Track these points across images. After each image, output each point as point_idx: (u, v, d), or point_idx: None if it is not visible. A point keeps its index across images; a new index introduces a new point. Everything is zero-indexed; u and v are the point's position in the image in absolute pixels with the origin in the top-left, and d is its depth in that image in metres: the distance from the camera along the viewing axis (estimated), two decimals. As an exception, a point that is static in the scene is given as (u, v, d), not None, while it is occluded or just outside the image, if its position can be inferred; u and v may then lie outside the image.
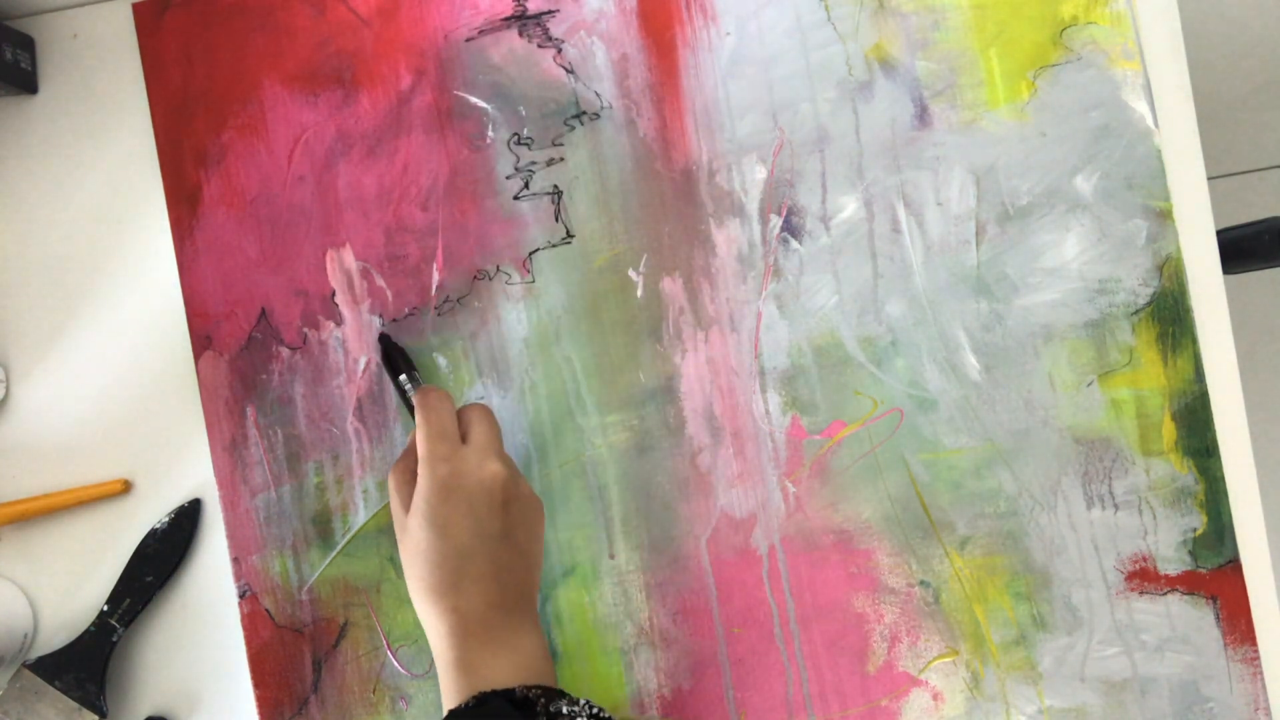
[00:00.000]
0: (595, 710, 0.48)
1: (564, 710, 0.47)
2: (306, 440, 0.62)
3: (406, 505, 0.53)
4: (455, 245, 0.62)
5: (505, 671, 0.49)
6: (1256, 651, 0.57)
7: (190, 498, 0.63)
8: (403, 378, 0.59)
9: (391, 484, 0.54)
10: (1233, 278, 0.68)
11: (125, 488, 0.63)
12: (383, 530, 0.62)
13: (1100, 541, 0.58)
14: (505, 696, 0.48)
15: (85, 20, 0.65)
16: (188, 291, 0.63)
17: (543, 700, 0.48)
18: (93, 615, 0.62)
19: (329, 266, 0.62)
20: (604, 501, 0.61)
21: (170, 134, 0.63)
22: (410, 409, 0.58)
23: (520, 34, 0.62)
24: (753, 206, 0.60)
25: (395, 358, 0.60)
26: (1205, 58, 1.31)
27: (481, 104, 0.62)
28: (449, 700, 0.49)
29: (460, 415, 0.55)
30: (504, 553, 0.52)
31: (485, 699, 0.47)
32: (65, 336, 0.64)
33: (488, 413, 0.55)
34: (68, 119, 0.65)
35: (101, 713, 0.60)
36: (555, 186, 0.61)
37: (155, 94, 0.64)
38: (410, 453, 0.56)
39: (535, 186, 0.61)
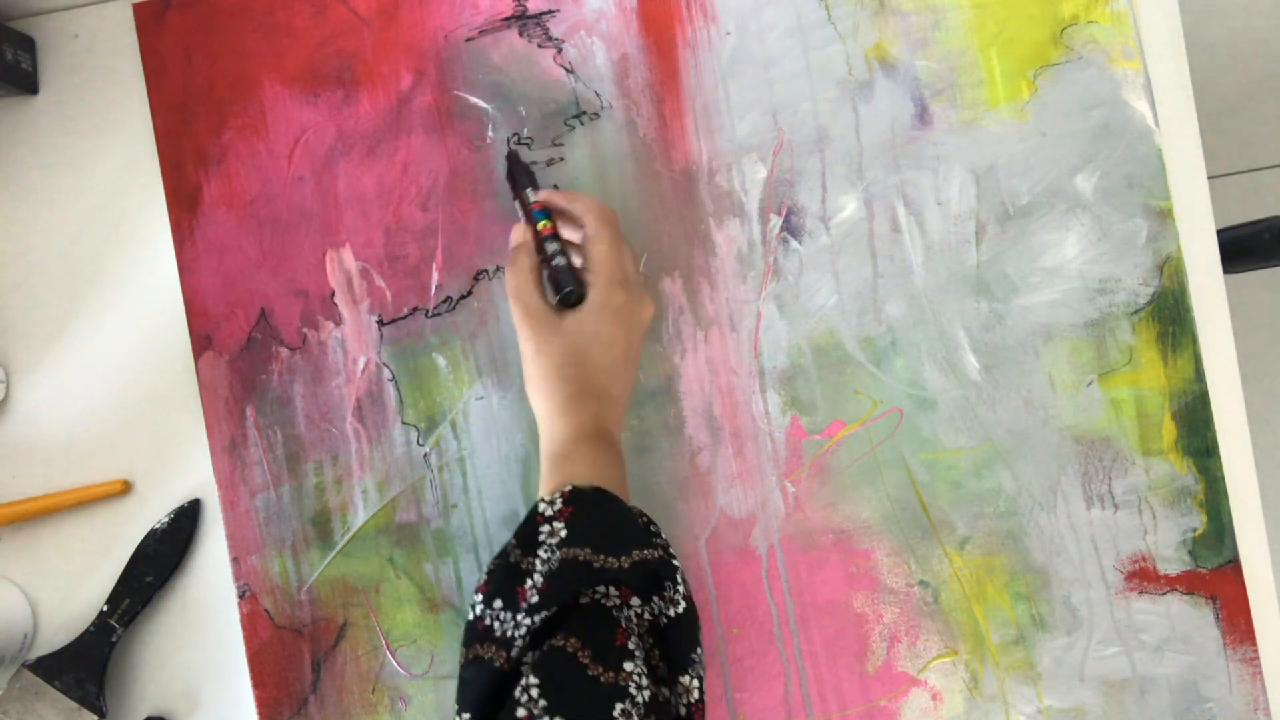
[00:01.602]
0: (676, 562, 0.50)
1: (662, 535, 0.51)
2: (306, 440, 0.62)
3: (547, 305, 0.54)
4: (455, 245, 0.62)
5: (616, 478, 0.52)
6: (1256, 651, 0.57)
7: (190, 498, 0.63)
8: (529, 192, 0.58)
9: (517, 284, 0.54)
10: (1233, 277, 0.68)
11: (125, 488, 0.63)
12: (382, 530, 0.61)
13: (1100, 541, 0.58)
14: (623, 502, 0.50)
15: (85, 21, 0.65)
16: (188, 291, 0.63)
17: (645, 518, 0.51)
18: (92, 615, 0.62)
19: (329, 267, 0.62)
20: None
21: (170, 134, 0.63)
22: (528, 218, 0.57)
23: (520, 34, 0.62)
24: (753, 206, 0.60)
25: (519, 174, 0.58)
26: (1205, 57, 1.31)
27: (481, 104, 0.62)
28: (554, 485, 0.51)
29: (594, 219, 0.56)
30: (631, 381, 0.55)
31: (604, 490, 0.50)
32: (65, 336, 0.64)
33: (629, 246, 0.56)
34: (68, 119, 0.65)
35: (101, 713, 0.60)
36: (555, 186, 0.61)
37: (155, 94, 0.64)
38: (527, 252, 0.55)
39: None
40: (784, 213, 0.60)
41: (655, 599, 0.47)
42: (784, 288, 0.60)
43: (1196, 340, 0.57)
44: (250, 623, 0.62)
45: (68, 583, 0.63)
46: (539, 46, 0.62)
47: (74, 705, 0.60)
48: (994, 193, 0.59)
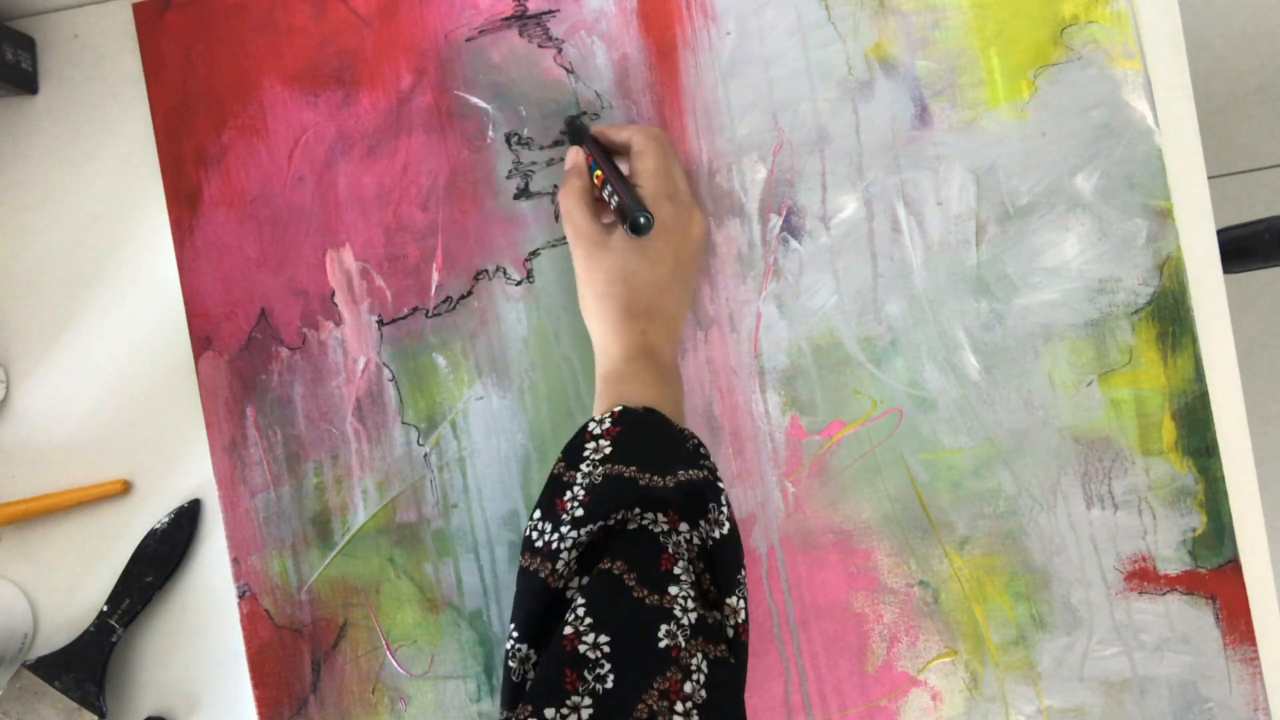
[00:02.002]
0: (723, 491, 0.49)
1: (710, 459, 0.50)
2: (306, 440, 0.62)
3: (598, 224, 0.55)
4: (455, 245, 0.62)
5: (667, 398, 0.52)
6: (1256, 652, 0.57)
7: (190, 498, 0.63)
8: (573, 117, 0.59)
9: (569, 205, 0.55)
10: (1233, 277, 0.68)
11: (125, 488, 0.63)
12: (382, 530, 0.61)
13: (1100, 541, 0.58)
14: (673, 423, 0.50)
15: (86, 21, 0.65)
16: (188, 292, 0.63)
17: (696, 442, 0.51)
18: (92, 615, 0.62)
19: (329, 267, 0.62)
20: None
21: (170, 134, 0.63)
22: (573, 137, 0.58)
23: (520, 34, 0.62)
24: (752, 206, 0.60)
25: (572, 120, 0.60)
26: (1205, 57, 1.31)
27: (482, 104, 0.62)
28: (614, 401, 0.51)
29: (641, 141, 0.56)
30: (686, 299, 0.56)
31: (654, 410, 0.50)
32: (65, 336, 0.64)
33: (679, 162, 0.57)
34: (68, 119, 0.65)
35: (101, 713, 0.60)
36: (555, 186, 0.61)
37: (155, 94, 0.64)
38: (579, 174, 0.56)
39: (535, 186, 0.61)
40: (784, 213, 0.60)
41: (701, 523, 0.47)
42: (784, 288, 0.60)
43: (1196, 340, 0.57)
44: (250, 623, 0.62)
45: (68, 583, 0.63)
46: (539, 46, 0.62)
47: (74, 705, 0.60)
48: (994, 193, 0.59)
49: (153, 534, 0.62)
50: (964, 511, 0.59)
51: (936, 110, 0.59)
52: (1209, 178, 0.57)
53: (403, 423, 0.62)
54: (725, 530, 0.47)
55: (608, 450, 0.48)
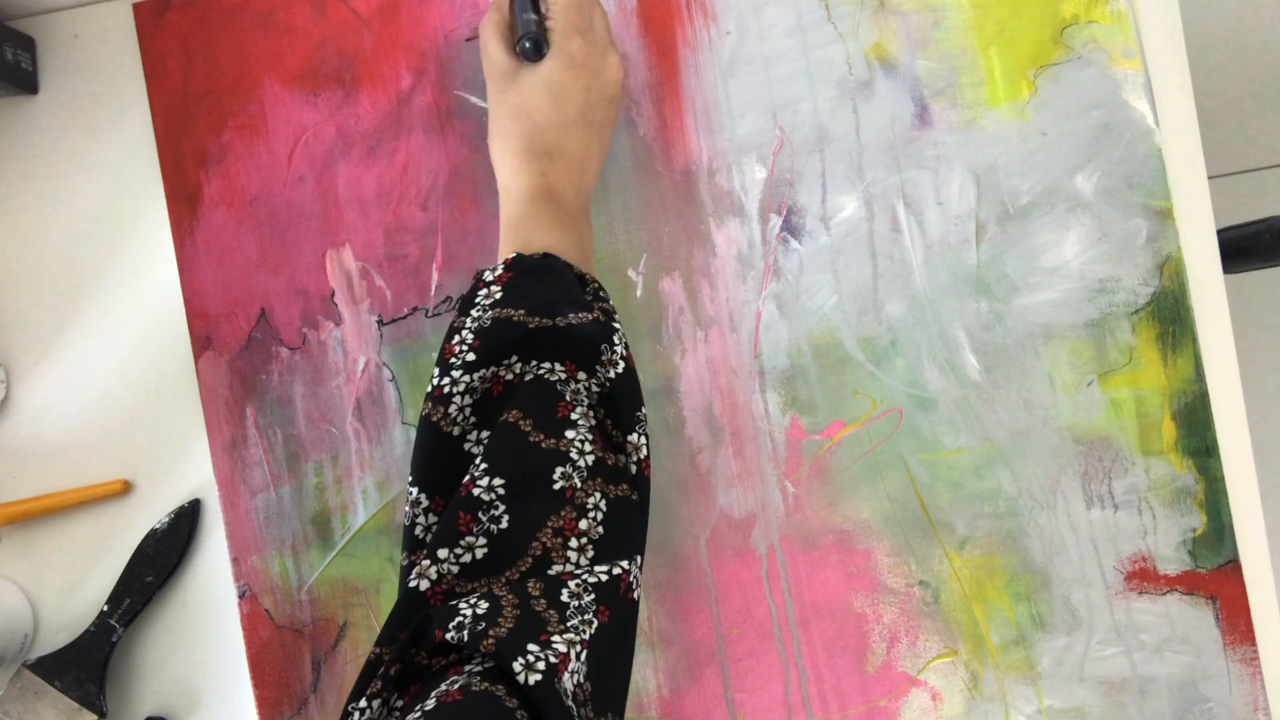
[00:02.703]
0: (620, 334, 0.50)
1: (610, 304, 0.50)
2: (306, 440, 0.62)
3: (513, 59, 0.54)
4: (455, 245, 0.62)
5: (568, 249, 0.51)
6: (1256, 651, 0.57)
7: (190, 498, 0.63)
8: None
9: (487, 36, 0.55)
10: (1233, 277, 0.68)
11: (125, 488, 0.63)
12: (382, 530, 0.61)
13: (1100, 541, 0.58)
14: (567, 266, 0.50)
15: (86, 20, 0.65)
16: (188, 291, 0.63)
17: (595, 285, 0.50)
18: (93, 615, 0.62)
19: (329, 266, 0.62)
20: None
21: (170, 134, 0.63)
22: None
23: (520, 34, 0.62)
24: (752, 206, 0.60)
25: None
26: (1205, 57, 1.31)
27: (482, 104, 0.62)
28: (510, 248, 0.51)
29: None
30: (595, 143, 0.54)
31: (550, 257, 0.49)
32: (65, 336, 0.64)
33: (600, 5, 0.56)
34: (68, 119, 0.65)
35: (101, 713, 0.60)
36: (555, 186, 0.61)
37: (155, 94, 0.64)
38: (500, 9, 0.56)
39: None
40: (784, 213, 0.60)
41: (597, 368, 0.47)
42: (784, 288, 0.60)
43: (1196, 340, 0.57)
44: (250, 623, 0.62)
45: (68, 583, 0.63)
46: (539, 46, 0.61)
47: (74, 705, 0.60)
48: (994, 192, 0.59)
49: (153, 534, 0.62)
50: (964, 511, 0.59)
51: (936, 110, 0.59)
52: (1209, 178, 0.57)
53: (403, 423, 0.62)
54: (620, 370, 0.48)
55: (498, 295, 0.48)
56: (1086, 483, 0.58)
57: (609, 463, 0.45)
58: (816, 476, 0.59)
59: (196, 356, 0.63)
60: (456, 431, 0.46)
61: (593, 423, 0.46)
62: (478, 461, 0.44)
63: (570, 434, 0.45)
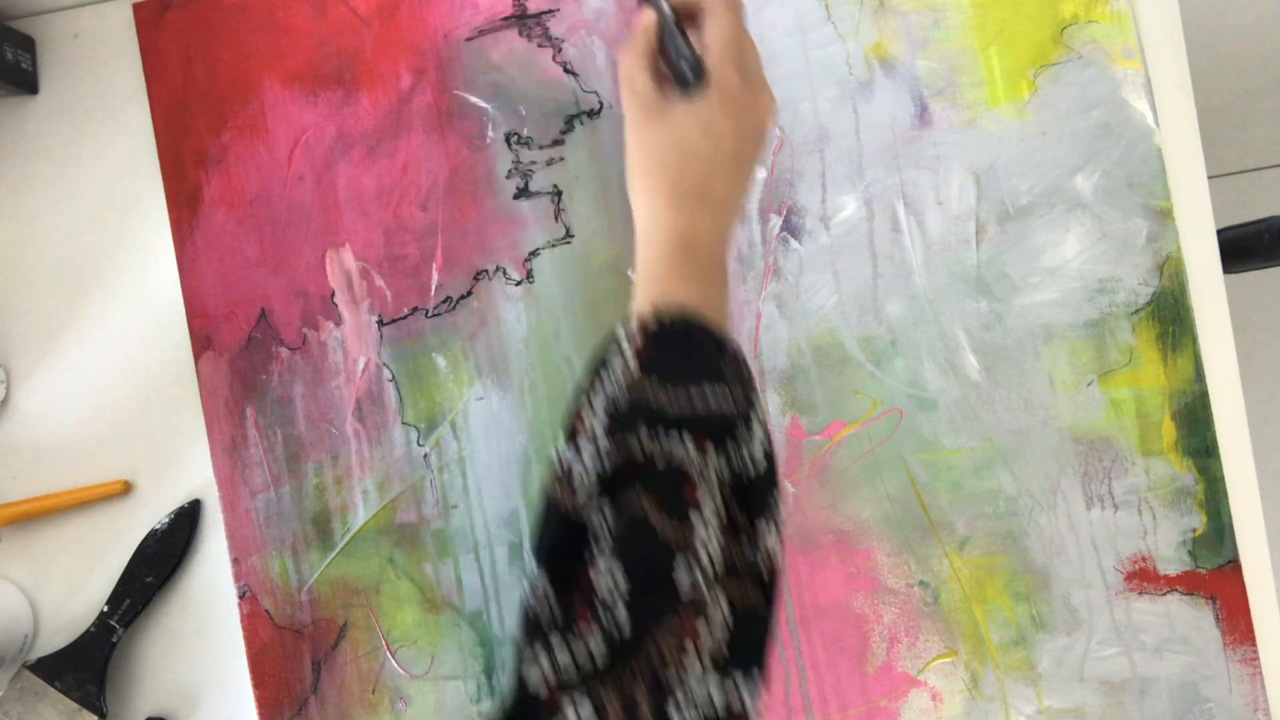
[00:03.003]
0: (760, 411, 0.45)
1: (752, 377, 0.46)
2: (306, 441, 0.62)
3: (658, 91, 0.50)
4: (455, 245, 0.62)
5: (709, 296, 0.47)
6: (1256, 652, 0.57)
7: (190, 498, 0.63)
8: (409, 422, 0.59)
9: (630, 65, 0.51)
10: (1233, 277, 0.68)
11: (125, 488, 0.63)
12: (382, 531, 0.61)
13: (1100, 542, 0.58)
14: (708, 328, 0.46)
15: (86, 20, 0.65)
16: (188, 292, 0.63)
17: (735, 350, 0.46)
18: (93, 616, 0.61)
19: (329, 267, 0.62)
20: None
21: (170, 134, 0.63)
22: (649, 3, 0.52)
23: (520, 33, 0.62)
24: (752, 206, 0.60)
25: None
26: (1205, 57, 1.31)
27: (481, 104, 0.62)
28: (648, 298, 0.47)
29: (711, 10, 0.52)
30: (742, 186, 0.50)
31: (690, 321, 0.45)
32: (65, 337, 0.64)
33: (752, 42, 0.52)
34: (68, 119, 0.65)
35: (101, 713, 0.60)
36: (555, 186, 0.61)
37: (155, 94, 0.64)
38: (647, 35, 0.51)
39: (535, 186, 0.61)
40: (784, 213, 0.60)
41: (730, 445, 0.43)
42: (784, 288, 0.60)
43: (1196, 340, 0.57)
44: (250, 623, 0.62)
45: (68, 583, 0.63)
46: (539, 46, 0.61)
47: (74, 706, 0.60)
48: (994, 192, 0.59)
49: (153, 534, 0.62)
50: (964, 512, 0.59)
51: (936, 110, 0.59)
52: (1209, 178, 0.57)
53: (403, 423, 0.62)
54: (762, 470, 0.43)
55: (635, 370, 0.43)
56: (1086, 483, 0.58)
57: (736, 562, 0.41)
58: (816, 477, 0.59)
59: (196, 357, 0.63)
60: (581, 511, 0.42)
61: (722, 508, 0.42)
62: (600, 545, 0.40)
63: (696, 523, 0.40)
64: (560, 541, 0.42)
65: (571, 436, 0.43)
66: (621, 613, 0.39)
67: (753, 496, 0.43)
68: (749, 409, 0.44)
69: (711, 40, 0.49)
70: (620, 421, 0.42)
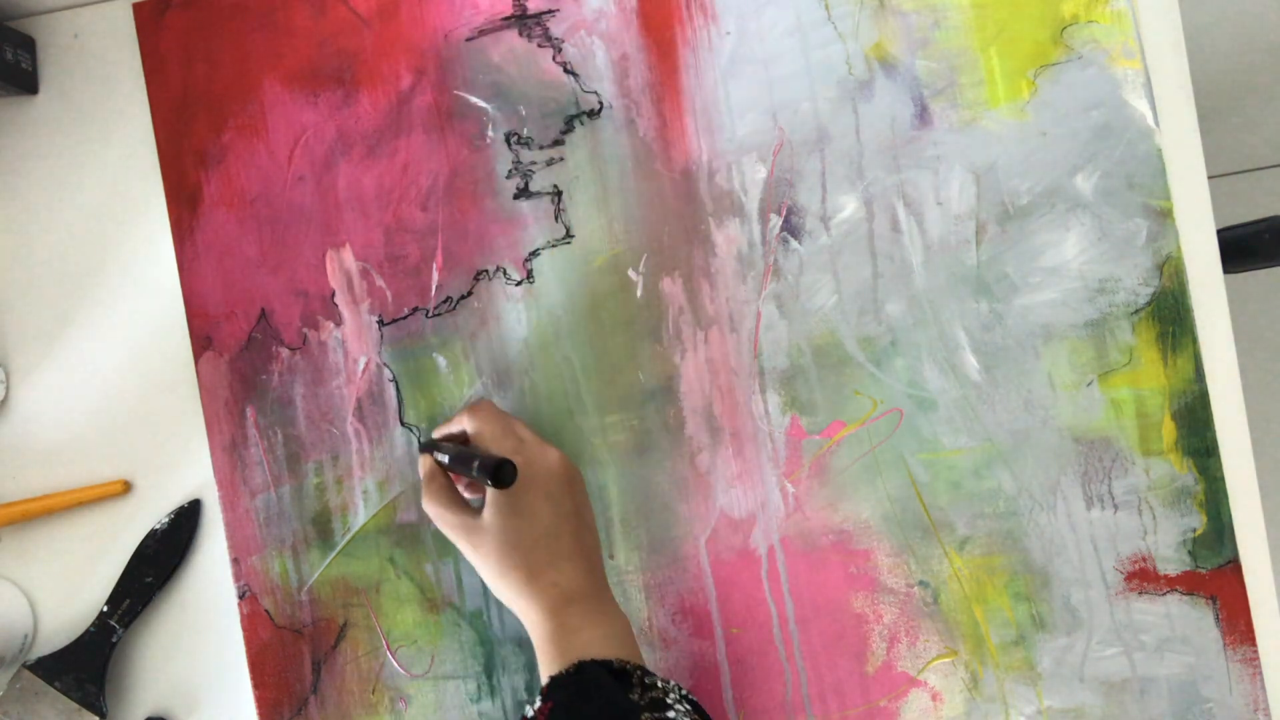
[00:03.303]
0: (683, 692, 0.49)
1: (658, 684, 0.48)
2: (306, 441, 0.62)
3: (466, 514, 0.54)
4: (455, 245, 0.61)
5: (601, 643, 0.50)
6: (1256, 652, 0.57)
7: (190, 498, 0.63)
8: (410, 422, 0.61)
9: (433, 509, 0.55)
10: (1233, 277, 0.68)
11: (125, 488, 0.63)
12: (382, 530, 0.61)
13: (1100, 541, 0.58)
14: (604, 666, 0.49)
15: (85, 20, 0.65)
16: (188, 292, 0.63)
17: (639, 674, 0.49)
18: (93, 616, 0.62)
19: (329, 267, 0.62)
20: (603, 502, 0.61)
21: (170, 134, 0.63)
22: (423, 450, 0.58)
23: (520, 33, 0.61)
24: (752, 206, 0.60)
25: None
26: (1205, 57, 1.31)
27: (481, 104, 0.62)
28: (548, 669, 0.50)
29: (467, 416, 0.56)
30: (582, 530, 0.54)
31: (584, 667, 0.48)
32: (65, 337, 0.64)
33: (505, 415, 0.56)
34: (68, 119, 0.65)
35: (101, 713, 0.60)
36: (555, 186, 0.61)
37: (155, 94, 0.64)
38: (433, 477, 0.56)
39: (535, 186, 0.61)
40: (784, 213, 0.60)
41: None
42: (784, 288, 0.60)
43: (1196, 340, 0.57)
44: (250, 623, 0.62)
45: (68, 583, 0.63)
46: (539, 46, 0.61)
47: (74, 706, 0.60)
48: (994, 193, 0.59)
49: (153, 534, 0.62)
50: (964, 512, 0.58)
51: (936, 110, 0.59)
52: (1209, 178, 0.57)
53: (403, 423, 0.62)
54: None
55: None
56: (1086, 483, 0.58)
57: None
58: (816, 477, 0.59)
59: (196, 357, 0.63)
60: None
61: None
62: None
63: None
64: None
65: None
66: None
67: None
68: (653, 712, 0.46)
69: (484, 447, 0.54)
70: None
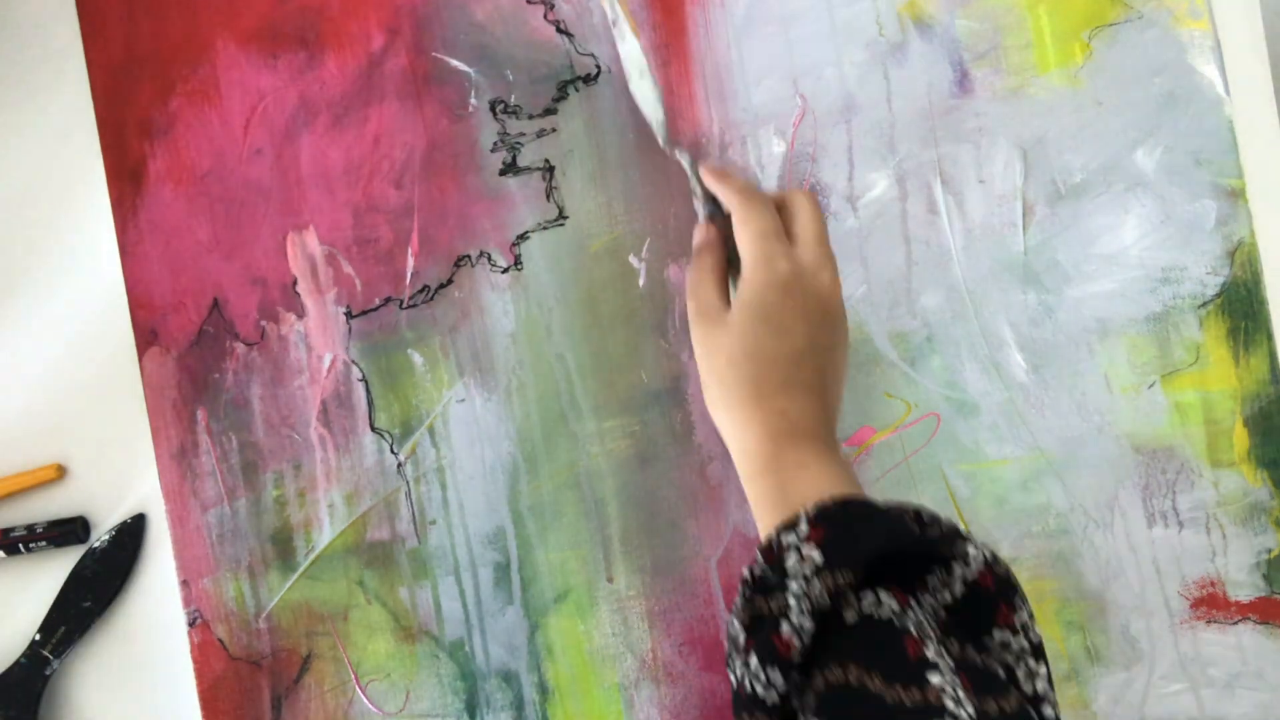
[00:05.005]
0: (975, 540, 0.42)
1: (940, 521, 0.42)
2: (264, 448, 0.59)
3: (718, 302, 0.50)
4: (433, 227, 0.58)
5: (835, 478, 0.45)
6: (1338, 688, 0.53)
7: (133, 513, 0.60)
8: (381, 428, 0.57)
9: (696, 278, 0.51)
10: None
11: (60, 473, 0.60)
12: (351, 550, 0.58)
13: (1163, 564, 0.54)
14: (878, 507, 0.42)
15: (14, -28, 0.61)
16: (131, 279, 0.60)
17: (914, 512, 0.42)
18: (23, 645, 0.59)
19: (290, 251, 0.59)
20: (601, 518, 0.57)
21: (111, 101, 0.60)
22: (709, 201, 0.53)
23: (507, -11, 0.58)
24: (770, 184, 0.56)
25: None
26: None
27: (463, 67, 0.58)
28: (769, 506, 0.45)
29: (783, 205, 0.51)
30: (830, 367, 0.49)
31: (850, 500, 0.42)
32: (-8, 330, 0.61)
33: (814, 204, 0.50)
34: (-5, 84, 0.61)
35: (31, 757, 0.57)
36: (546, 161, 0.58)
37: (93, 55, 0.60)
38: (712, 248, 0.51)
39: (523, 161, 0.58)
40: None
41: (927, 592, 0.40)
42: (806, 276, 0.55)
43: (1272, 337, 0.53)
44: (202, 654, 0.59)
45: (-6, 609, 0.60)
46: (528, 3, 0.58)
47: (-1, 749, 0.57)
48: (1043, 170, 0.54)
49: (91, 553, 0.59)
50: (1009, 530, 0.55)
51: (978, 76, 0.55)
52: (1287, 153, 0.53)
53: (374, 428, 0.58)
54: (959, 592, 0.40)
55: (818, 559, 0.39)
56: (1148, 497, 0.54)
57: (993, 713, 0.36)
58: None
59: (140, 353, 0.60)
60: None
61: (952, 661, 0.37)
62: None
63: (935, 679, 0.35)
64: None
65: (771, 656, 0.38)
66: None
67: (977, 627, 0.40)
68: (955, 545, 0.41)
69: (740, 239, 0.49)
70: (823, 615, 0.38)
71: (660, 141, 0.54)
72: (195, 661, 0.58)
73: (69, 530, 0.58)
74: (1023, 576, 0.53)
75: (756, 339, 0.47)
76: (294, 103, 0.59)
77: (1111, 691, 0.54)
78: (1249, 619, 0.53)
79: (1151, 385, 0.54)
